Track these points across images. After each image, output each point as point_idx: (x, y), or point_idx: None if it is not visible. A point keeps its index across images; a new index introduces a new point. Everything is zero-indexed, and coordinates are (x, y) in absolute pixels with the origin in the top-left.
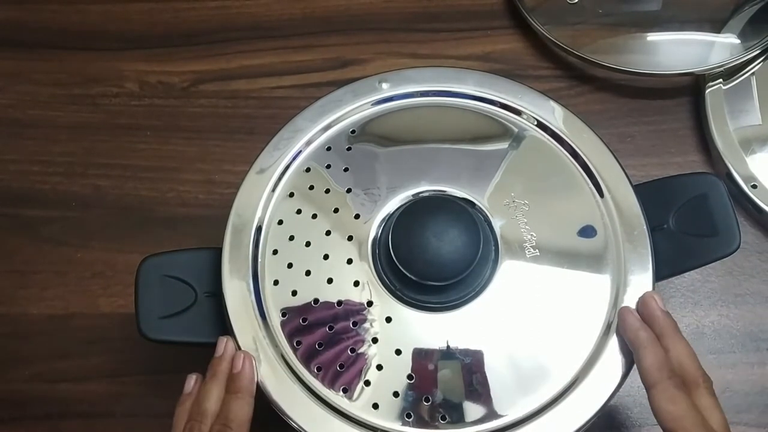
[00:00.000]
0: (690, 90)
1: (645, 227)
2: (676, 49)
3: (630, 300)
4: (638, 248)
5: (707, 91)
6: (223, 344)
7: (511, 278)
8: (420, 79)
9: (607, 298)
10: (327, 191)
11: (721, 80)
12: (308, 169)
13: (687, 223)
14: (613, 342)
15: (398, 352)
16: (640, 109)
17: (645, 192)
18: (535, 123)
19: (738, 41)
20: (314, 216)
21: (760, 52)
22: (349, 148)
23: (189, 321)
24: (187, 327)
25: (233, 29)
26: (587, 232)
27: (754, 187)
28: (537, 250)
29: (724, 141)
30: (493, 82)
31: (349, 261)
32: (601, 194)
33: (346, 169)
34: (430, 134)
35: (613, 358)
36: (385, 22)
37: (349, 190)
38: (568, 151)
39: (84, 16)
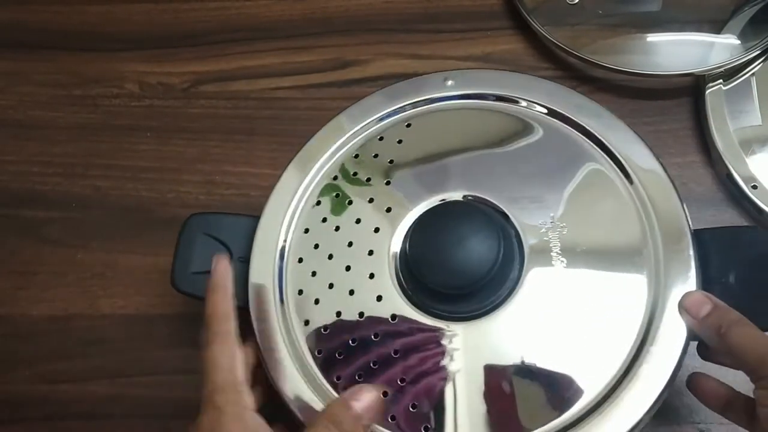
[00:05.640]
0: (690, 90)
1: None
2: (676, 50)
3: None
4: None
5: (707, 91)
6: (215, 261)
7: (540, 288)
8: (487, 81)
9: (643, 313)
10: (350, 203)
11: (721, 81)
12: (335, 177)
13: (751, 280)
14: (651, 354)
15: (419, 362)
16: (640, 109)
17: (710, 238)
18: (603, 149)
19: (738, 42)
20: (337, 228)
21: (760, 53)
22: (376, 155)
23: None
24: None
25: (233, 30)
26: (625, 259)
27: (755, 187)
28: (566, 260)
29: (725, 141)
30: (566, 95)
31: (371, 274)
32: (653, 233)
33: (368, 179)
34: (460, 140)
35: (650, 372)
36: (385, 22)
37: (371, 200)
38: (630, 184)
39: (84, 17)
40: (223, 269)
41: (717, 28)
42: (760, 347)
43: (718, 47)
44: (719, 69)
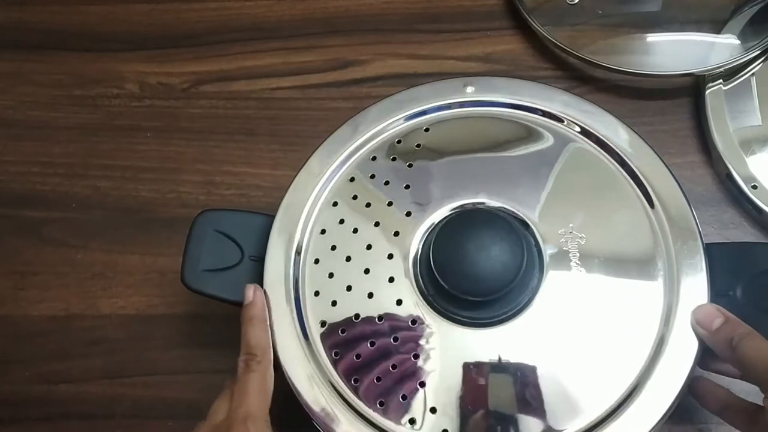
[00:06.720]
0: (690, 91)
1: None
2: (676, 50)
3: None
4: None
5: (707, 91)
6: (251, 291)
7: (558, 295)
8: (503, 89)
9: (659, 318)
10: (368, 205)
11: (721, 81)
12: (352, 179)
13: (756, 295)
14: (667, 357)
15: (438, 368)
16: (640, 109)
17: (718, 252)
18: (618, 161)
19: (738, 42)
20: (355, 230)
21: (760, 53)
22: (394, 158)
23: (230, 279)
24: (227, 284)
25: (233, 30)
26: (640, 267)
27: (755, 187)
28: (584, 268)
29: (725, 142)
30: (578, 104)
31: (391, 278)
32: (667, 246)
33: (387, 183)
34: (479, 146)
35: (666, 375)
36: (386, 22)
37: (390, 204)
38: (645, 197)
39: (84, 18)
40: (260, 300)
41: (717, 28)
42: None
43: (718, 47)
44: (719, 69)
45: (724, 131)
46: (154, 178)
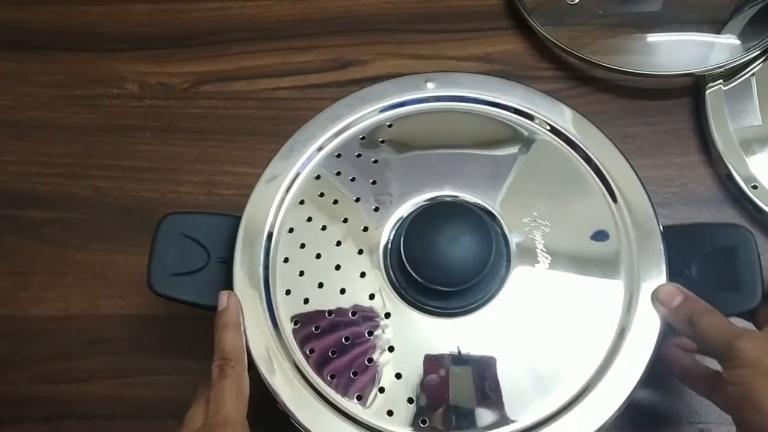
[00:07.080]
0: (690, 91)
1: (663, 247)
2: (676, 50)
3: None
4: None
5: (707, 91)
6: (225, 297)
7: (525, 284)
8: (468, 84)
9: (620, 307)
10: (335, 202)
11: (721, 81)
12: (318, 177)
13: (710, 273)
14: (627, 346)
15: (412, 358)
16: (640, 109)
17: (673, 235)
18: (583, 156)
19: (738, 42)
20: (324, 227)
21: (760, 53)
22: (359, 155)
23: (198, 282)
24: (195, 288)
25: (233, 30)
26: (602, 257)
27: (755, 187)
28: (549, 257)
29: (725, 141)
30: (538, 99)
31: (362, 273)
32: (625, 228)
33: (353, 179)
34: (443, 140)
35: (627, 363)
36: (385, 22)
37: (357, 200)
38: (608, 191)
39: (84, 17)
40: (234, 306)
41: (717, 28)
42: (726, 333)
43: (718, 47)
44: (719, 69)
45: (724, 131)
46: (154, 178)
